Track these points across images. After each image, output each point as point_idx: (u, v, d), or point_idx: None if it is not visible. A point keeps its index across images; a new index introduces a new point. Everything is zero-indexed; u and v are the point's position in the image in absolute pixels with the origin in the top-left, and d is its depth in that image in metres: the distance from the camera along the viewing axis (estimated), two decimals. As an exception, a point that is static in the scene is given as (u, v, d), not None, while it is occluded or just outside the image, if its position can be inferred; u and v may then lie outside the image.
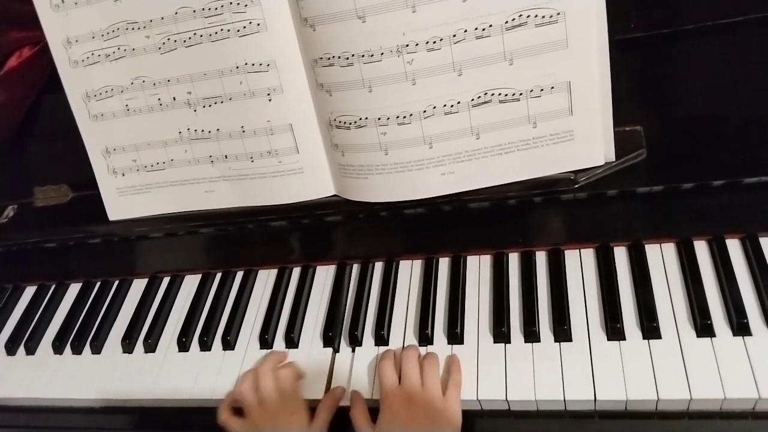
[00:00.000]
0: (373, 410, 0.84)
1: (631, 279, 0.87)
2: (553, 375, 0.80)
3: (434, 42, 0.78)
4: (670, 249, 0.89)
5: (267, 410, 0.85)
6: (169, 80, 0.91)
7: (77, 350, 1.05)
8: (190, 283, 1.09)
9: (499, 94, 0.80)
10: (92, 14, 0.90)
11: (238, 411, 0.88)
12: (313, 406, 0.87)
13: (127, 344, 1.03)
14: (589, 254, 0.91)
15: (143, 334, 1.03)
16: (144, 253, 1.13)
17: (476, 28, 0.77)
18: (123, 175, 1.00)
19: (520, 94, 0.80)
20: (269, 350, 0.95)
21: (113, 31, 0.90)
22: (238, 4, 0.83)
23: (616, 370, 0.79)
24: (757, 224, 0.86)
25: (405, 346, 0.89)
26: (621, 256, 0.90)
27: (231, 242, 1.07)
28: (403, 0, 0.76)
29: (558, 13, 0.75)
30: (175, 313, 1.06)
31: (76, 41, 0.92)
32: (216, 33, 0.86)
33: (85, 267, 1.16)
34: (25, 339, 1.10)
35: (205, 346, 0.99)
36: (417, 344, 0.89)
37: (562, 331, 0.83)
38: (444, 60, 0.79)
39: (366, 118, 0.84)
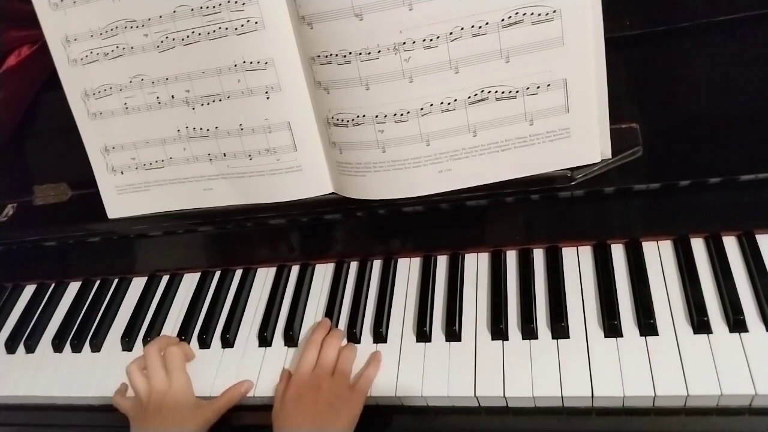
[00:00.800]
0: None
1: (629, 276, 0.87)
2: (551, 372, 0.81)
3: (431, 40, 0.78)
4: (667, 246, 0.89)
5: (153, 388, 0.89)
6: (167, 78, 0.91)
7: (77, 348, 1.05)
8: (189, 281, 1.09)
9: (496, 91, 0.80)
10: (91, 13, 0.91)
11: None
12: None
13: (127, 342, 1.03)
14: (586, 252, 0.92)
15: (142, 333, 1.04)
16: (143, 251, 1.13)
17: (473, 26, 0.77)
18: (122, 173, 1.00)
19: (517, 91, 0.80)
20: (268, 348, 0.95)
21: (112, 29, 0.90)
22: (236, 2, 0.83)
23: (613, 367, 0.79)
24: (753, 221, 0.86)
25: (330, 335, 0.92)
26: (618, 253, 0.90)
27: (230, 240, 1.08)
28: (399, -2, 0.76)
29: (554, 11, 0.75)
30: (174, 312, 1.06)
31: (75, 40, 0.93)
32: (214, 31, 0.86)
33: (84, 265, 1.16)
34: (24, 337, 1.10)
35: (204, 344, 0.99)
36: (415, 341, 0.89)
37: (560, 329, 0.83)
38: (441, 58, 0.79)
39: (363, 116, 0.84)
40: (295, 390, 0.85)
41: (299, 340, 0.95)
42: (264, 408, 0.92)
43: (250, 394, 0.91)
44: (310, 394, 0.84)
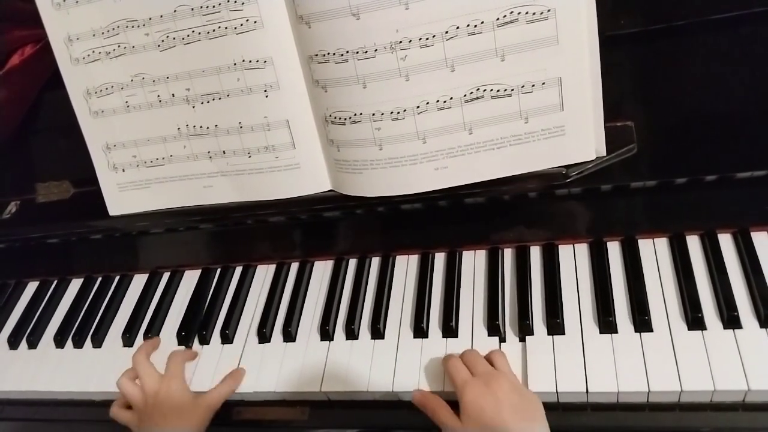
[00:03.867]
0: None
1: (624, 273, 0.88)
2: (546, 368, 0.81)
3: (427, 39, 0.79)
4: (662, 243, 0.89)
5: (147, 393, 0.90)
6: (168, 77, 0.92)
7: (78, 344, 1.06)
8: (190, 278, 1.10)
9: (491, 89, 0.81)
10: (93, 12, 0.92)
11: None
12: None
13: (128, 338, 1.04)
14: (582, 249, 0.92)
15: (144, 329, 1.05)
16: (144, 248, 1.14)
17: (468, 25, 0.78)
18: (123, 170, 1.01)
19: (512, 89, 0.81)
20: (267, 344, 0.96)
21: (113, 29, 0.91)
22: (236, 2, 0.84)
23: (608, 363, 0.79)
24: (748, 219, 0.86)
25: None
26: (614, 250, 0.91)
27: (230, 238, 1.09)
28: (396, -3, 0.77)
29: (548, 10, 0.76)
30: (175, 308, 1.07)
31: (77, 39, 0.94)
32: (214, 30, 0.87)
33: (86, 262, 1.17)
34: (27, 333, 1.11)
35: (204, 340, 1.00)
36: (412, 338, 0.90)
37: (556, 325, 0.84)
38: (437, 56, 0.80)
39: (360, 114, 0.85)
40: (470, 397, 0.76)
41: (297, 336, 0.96)
42: (263, 403, 0.93)
43: (250, 390, 0.92)
44: (484, 393, 0.76)
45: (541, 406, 0.76)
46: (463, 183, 0.87)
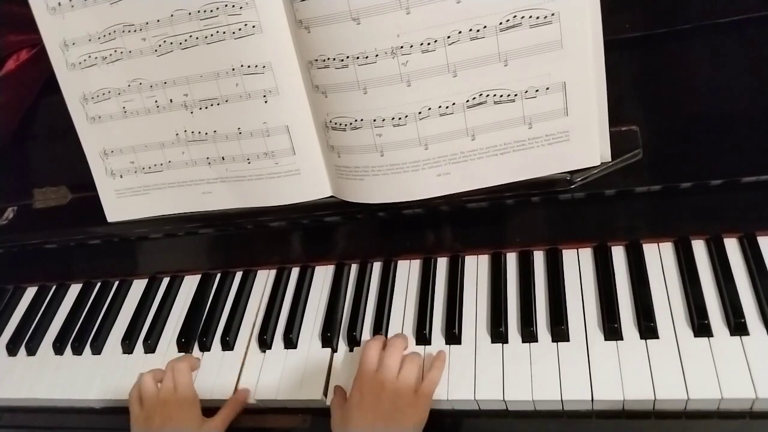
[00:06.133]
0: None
1: (629, 279, 0.87)
2: (551, 375, 0.81)
3: (429, 43, 0.78)
4: (667, 248, 0.88)
5: (161, 402, 0.89)
6: (165, 82, 0.91)
7: (77, 351, 1.06)
8: (190, 283, 1.09)
9: (494, 95, 0.80)
10: (89, 17, 0.90)
11: None
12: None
13: (127, 345, 1.03)
14: (586, 254, 0.91)
15: (143, 335, 1.04)
16: (144, 253, 1.13)
17: (471, 30, 0.77)
18: (121, 176, 1.00)
19: (515, 94, 0.80)
20: (268, 350, 0.95)
21: (110, 33, 0.90)
22: (234, 6, 0.83)
23: (613, 370, 0.79)
24: (755, 224, 0.86)
25: (396, 334, 0.90)
26: (619, 255, 0.90)
27: (230, 243, 1.08)
28: (397, 2, 0.76)
29: (552, 14, 0.75)
30: (175, 314, 1.06)
31: (73, 44, 0.93)
32: (211, 35, 0.86)
33: (85, 268, 1.16)
34: (26, 340, 1.10)
35: (204, 346, 0.99)
36: (414, 345, 0.89)
37: (560, 331, 0.83)
38: (439, 61, 0.79)
39: (361, 120, 0.84)
40: (357, 393, 0.82)
41: (298, 343, 0.95)
42: (263, 411, 0.93)
43: (251, 398, 0.91)
44: (372, 395, 0.81)
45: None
46: (466, 190, 0.86)
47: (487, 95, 0.80)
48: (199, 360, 0.98)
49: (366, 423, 0.79)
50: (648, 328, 0.80)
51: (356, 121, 0.84)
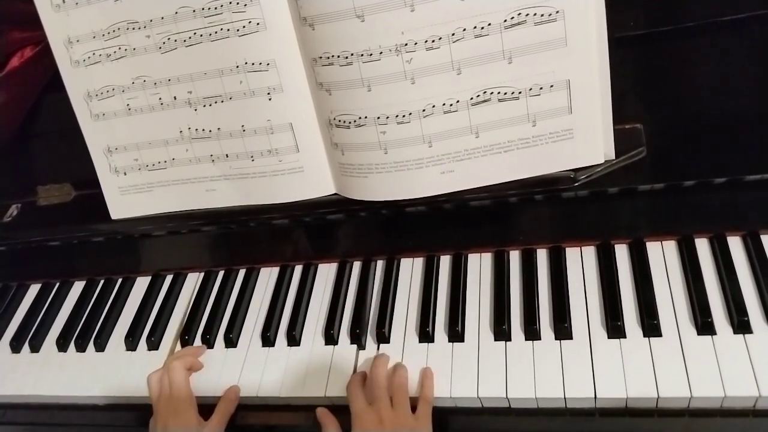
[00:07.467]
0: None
1: (632, 277, 0.87)
2: (554, 373, 0.81)
3: (433, 41, 0.78)
4: (671, 246, 0.88)
5: (163, 402, 0.89)
6: (169, 80, 0.91)
7: (81, 348, 1.06)
8: (193, 281, 1.09)
9: (499, 92, 0.80)
10: (93, 14, 0.91)
11: None
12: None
13: (131, 342, 1.03)
14: (590, 252, 0.91)
15: (146, 332, 1.04)
16: (147, 251, 1.13)
17: (475, 27, 0.77)
18: (125, 174, 1.00)
19: (520, 92, 0.80)
20: (271, 348, 0.96)
21: (114, 30, 0.90)
22: (238, 3, 0.83)
23: (616, 368, 0.79)
24: (758, 222, 0.85)
25: (375, 359, 0.88)
26: (622, 253, 0.90)
27: (233, 240, 1.08)
28: (401, -1, 0.76)
29: (557, 11, 0.75)
30: (178, 311, 1.06)
31: (77, 41, 0.93)
32: (216, 32, 0.86)
33: (88, 265, 1.16)
34: (29, 337, 1.10)
35: (208, 343, 0.99)
36: (418, 342, 0.89)
37: (563, 329, 0.83)
38: (443, 59, 0.79)
39: (365, 117, 0.84)
40: (359, 429, 0.81)
41: (301, 340, 0.95)
42: (267, 408, 0.92)
43: (253, 394, 0.91)
44: (375, 429, 0.80)
45: None
46: (470, 187, 0.86)
47: (491, 93, 0.80)
48: (203, 348, 0.98)
49: None
50: (651, 326, 0.80)
51: (360, 118, 0.84)
